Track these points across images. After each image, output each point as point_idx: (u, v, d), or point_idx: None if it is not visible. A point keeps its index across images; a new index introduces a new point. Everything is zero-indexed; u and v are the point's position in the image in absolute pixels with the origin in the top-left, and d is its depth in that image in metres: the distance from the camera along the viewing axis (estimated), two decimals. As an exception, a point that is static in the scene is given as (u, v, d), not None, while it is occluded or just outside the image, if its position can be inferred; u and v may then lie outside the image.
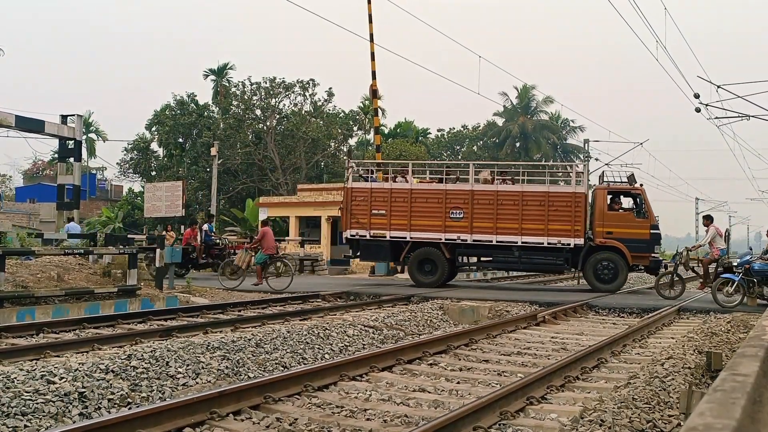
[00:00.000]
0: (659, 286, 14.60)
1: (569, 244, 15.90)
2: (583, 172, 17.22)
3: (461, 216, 16.70)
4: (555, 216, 16.12)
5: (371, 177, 18.58)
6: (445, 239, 16.72)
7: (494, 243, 16.54)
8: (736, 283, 12.51)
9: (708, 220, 14.69)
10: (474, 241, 16.61)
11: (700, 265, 14.79)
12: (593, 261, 16.09)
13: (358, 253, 17.99)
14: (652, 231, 16.07)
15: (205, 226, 19.76)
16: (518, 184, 16.89)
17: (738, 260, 13.03)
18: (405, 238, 17.04)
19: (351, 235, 17.43)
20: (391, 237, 16.99)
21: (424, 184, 18.55)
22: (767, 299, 12.59)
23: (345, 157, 51.34)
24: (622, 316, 12.52)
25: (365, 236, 17.20)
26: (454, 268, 17.64)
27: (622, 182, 16.77)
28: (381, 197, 17.24)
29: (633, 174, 17.02)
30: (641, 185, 16.66)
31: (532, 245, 16.31)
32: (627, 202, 16.82)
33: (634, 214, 16.27)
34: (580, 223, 16.01)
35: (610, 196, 16.43)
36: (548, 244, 16.10)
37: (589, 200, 16.75)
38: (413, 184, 17.66)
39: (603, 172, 18.33)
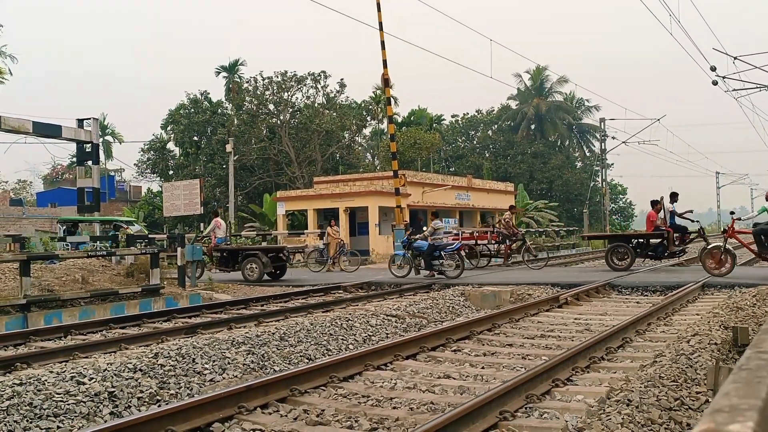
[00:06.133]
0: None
1: None
2: None
3: None
4: None
5: None
6: None
7: None
8: (401, 257, 16.14)
9: (214, 214, 18.16)
10: None
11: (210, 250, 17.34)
12: None
13: None
14: None
15: (669, 204, 16.11)
16: None
17: (404, 240, 16.48)
18: None
19: None
20: None
21: None
22: (425, 269, 15.62)
23: (359, 148, 51.25)
24: (646, 295, 12.43)
25: None
26: None
27: None
28: None
29: None
30: None
31: None
32: None
33: None
34: None
35: None
36: None
37: None
38: None
39: None
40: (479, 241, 20.12)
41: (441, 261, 15.20)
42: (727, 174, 70.23)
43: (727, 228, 14.19)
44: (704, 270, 13.84)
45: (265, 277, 16.70)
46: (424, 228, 18.18)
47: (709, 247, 14.28)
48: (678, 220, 16.03)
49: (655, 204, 16.48)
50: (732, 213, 14.33)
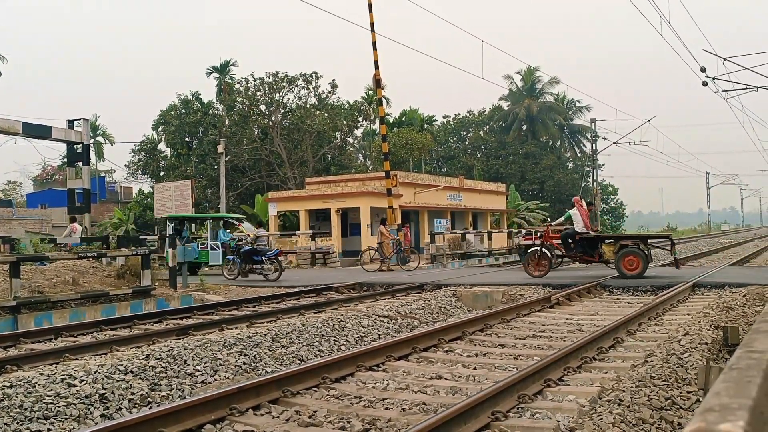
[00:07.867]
0: None
1: None
2: None
3: None
4: None
5: None
6: None
7: None
8: (231, 261, 17.52)
9: (71, 219, 18.28)
10: None
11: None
12: None
13: None
14: None
15: None
16: None
17: (233, 245, 18.15)
18: None
19: None
20: None
21: None
22: (247, 271, 17.21)
23: (351, 148, 51.20)
24: (637, 295, 12.48)
25: None
26: None
27: None
28: None
29: None
30: None
31: None
32: None
33: None
34: None
35: None
36: None
37: None
38: None
39: None
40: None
41: (262, 265, 17.21)
42: (717, 174, 70.75)
43: (543, 233, 15.68)
44: (524, 271, 15.26)
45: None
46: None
47: (529, 251, 15.69)
48: None
49: None
50: (544, 220, 15.70)
